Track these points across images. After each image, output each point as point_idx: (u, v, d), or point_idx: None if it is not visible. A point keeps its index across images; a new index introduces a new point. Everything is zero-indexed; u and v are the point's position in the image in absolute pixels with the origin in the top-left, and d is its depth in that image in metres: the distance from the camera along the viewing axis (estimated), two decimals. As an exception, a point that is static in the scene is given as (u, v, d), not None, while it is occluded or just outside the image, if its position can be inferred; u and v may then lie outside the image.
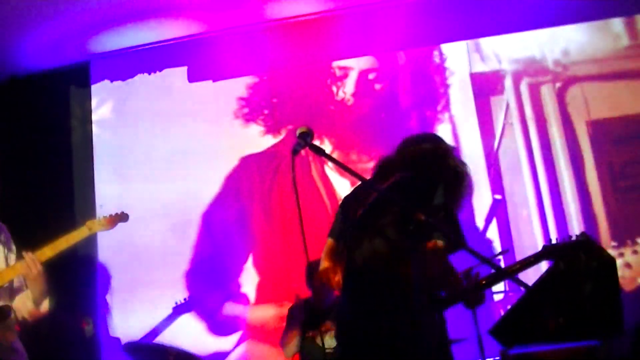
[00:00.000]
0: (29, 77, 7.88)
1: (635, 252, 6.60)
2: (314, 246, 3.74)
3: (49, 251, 4.23)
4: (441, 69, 7.31)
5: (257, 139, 7.59)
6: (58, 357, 6.18)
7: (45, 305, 4.28)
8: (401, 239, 3.57)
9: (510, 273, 4.32)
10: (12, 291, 4.28)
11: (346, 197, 4.00)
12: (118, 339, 7.27)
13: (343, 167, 3.44)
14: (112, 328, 7.38)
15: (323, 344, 5.74)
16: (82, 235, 4.43)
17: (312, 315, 6.07)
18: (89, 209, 7.60)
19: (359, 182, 3.71)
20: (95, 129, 7.96)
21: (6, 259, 4.30)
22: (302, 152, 3.28)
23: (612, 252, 6.22)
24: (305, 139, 3.25)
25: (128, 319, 7.39)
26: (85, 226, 4.49)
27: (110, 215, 4.65)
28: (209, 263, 7.45)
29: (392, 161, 3.94)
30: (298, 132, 3.27)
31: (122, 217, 4.68)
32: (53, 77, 7.80)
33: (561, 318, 4.97)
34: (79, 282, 7.34)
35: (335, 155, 6.93)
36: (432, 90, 7.29)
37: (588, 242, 5.36)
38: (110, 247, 7.49)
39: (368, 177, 3.83)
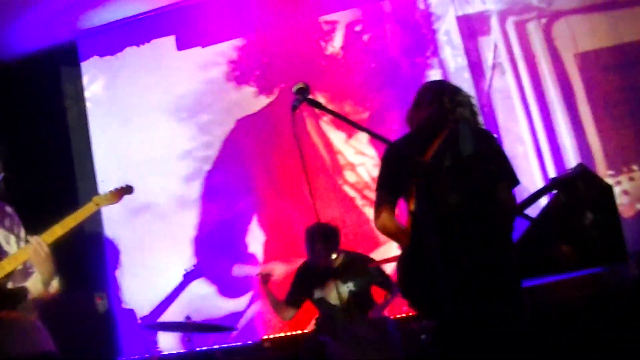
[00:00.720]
0: (18, 60, 7.89)
1: (631, 178, 6.68)
2: (317, 201, 3.77)
3: (59, 230, 4.25)
4: (427, 15, 7.34)
5: (251, 100, 7.64)
6: (75, 333, 6.26)
7: (55, 286, 4.28)
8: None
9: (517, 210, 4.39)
10: (26, 273, 4.33)
11: (392, 149, 3.94)
12: (132, 311, 7.38)
13: (343, 119, 3.50)
14: (125, 301, 7.48)
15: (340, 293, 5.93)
16: (90, 211, 4.44)
17: (316, 275, 6.25)
18: (91, 186, 7.68)
19: (404, 136, 3.93)
20: (89, 105, 8.00)
21: (17, 243, 4.35)
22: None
23: (610, 181, 6.29)
24: (303, 94, 3.28)
25: (140, 290, 7.50)
26: (92, 202, 4.50)
27: (116, 189, 4.66)
28: (214, 227, 7.54)
29: (439, 114, 3.95)
30: (295, 88, 3.29)
31: (127, 190, 4.69)
32: (42, 58, 7.81)
33: (565, 247, 5.06)
34: (88, 258, 7.43)
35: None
36: (419, 36, 7.32)
37: (585, 172, 5.45)
38: (116, 222, 7.58)
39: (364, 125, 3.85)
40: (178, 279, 7.34)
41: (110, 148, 7.87)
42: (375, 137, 3.47)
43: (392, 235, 3.92)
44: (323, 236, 6.19)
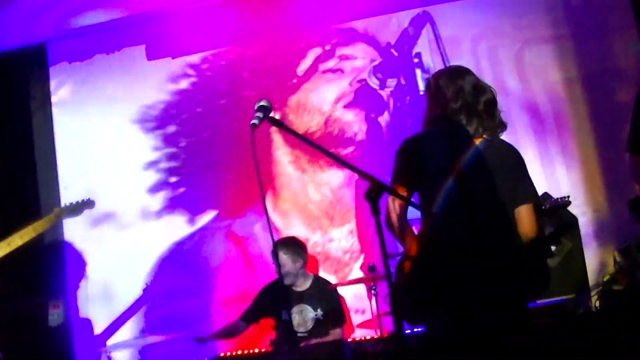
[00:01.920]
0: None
1: (596, 210, 6.74)
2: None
3: (18, 240, 4.23)
4: (400, 36, 7.34)
5: (219, 113, 7.63)
6: (26, 342, 6.16)
7: None
8: None
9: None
10: None
11: (408, 145, 3.83)
12: (89, 321, 7.27)
13: (303, 139, 3.42)
14: (82, 312, 7.36)
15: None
16: (50, 222, 4.47)
17: (281, 296, 6.21)
18: (54, 192, 7.55)
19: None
20: (55, 110, 7.88)
21: None
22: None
23: (575, 211, 6.28)
24: (264, 112, 3.21)
25: (98, 302, 7.39)
26: (52, 213, 4.54)
27: (78, 202, 4.66)
28: (178, 241, 7.47)
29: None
30: (257, 105, 3.22)
31: (89, 204, 4.70)
32: (10, 60, 7.67)
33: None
34: (48, 267, 7.30)
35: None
36: (390, 57, 7.33)
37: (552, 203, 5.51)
38: (77, 230, 7.44)
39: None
40: (138, 292, 7.22)
41: (75, 155, 7.73)
42: (336, 159, 3.38)
43: (396, 235, 3.78)
44: (287, 246, 6.20)
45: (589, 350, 5.09)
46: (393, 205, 3.73)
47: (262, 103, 3.23)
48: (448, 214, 3.59)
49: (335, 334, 6.20)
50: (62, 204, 4.58)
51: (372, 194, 3.06)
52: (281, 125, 3.32)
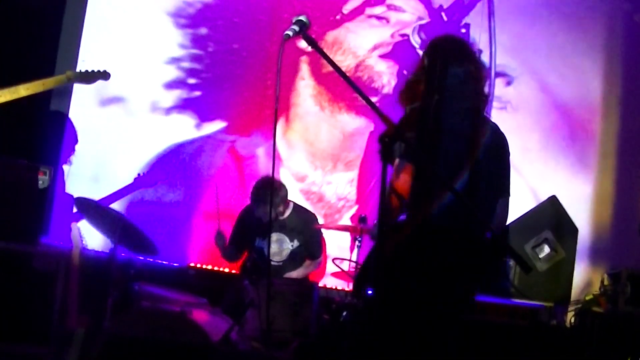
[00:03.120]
0: None
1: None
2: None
3: (23, 91, 4.22)
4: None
5: (253, 28, 7.43)
6: (5, 200, 6.12)
7: None
8: None
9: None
10: None
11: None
12: (71, 196, 7.19)
13: (335, 68, 3.26)
14: (68, 187, 7.28)
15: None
16: (60, 82, 4.48)
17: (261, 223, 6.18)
18: (71, 61, 7.40)
19: None
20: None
21: None
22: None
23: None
24: (300, 27, 3.07)
25: (85, 180, 7.29)
26: (64, 75, 4.50)
27: (93, 71, 4.62)
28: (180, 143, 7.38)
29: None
30: (295, 18, 3.09)
31: (103, 75, 4.66)
32: None
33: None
34: (45, 131, 7.20)
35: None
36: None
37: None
38: (83, 106, 7.31)
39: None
40: (128, 180, 7.14)
41: (101, 30, 7.54)
42: (365, 99, 3.21)
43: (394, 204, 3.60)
44: (264, 196, 6.09)
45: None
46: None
47: (301, 18, 3.10)
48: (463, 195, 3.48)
49: (309, 265, 6.19)
50: (76, 70, 4.49)
51: (387, 138, 2.96)
52: (315, 45, 3.18)
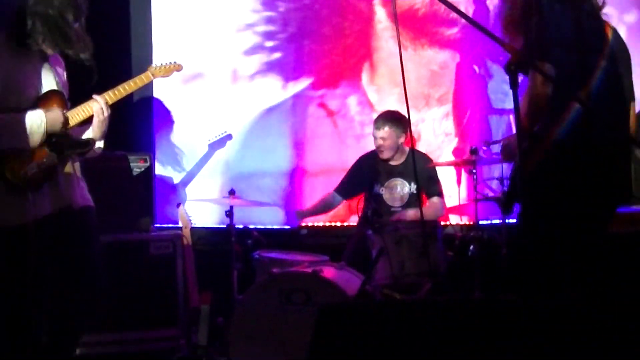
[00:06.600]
0: None
1: None
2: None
3: (118, 93, 4.42)
4: None
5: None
6: (115, 190, 6.28)
7: (100, 145, 4.45)
8: None
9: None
10: (80, 130, 4.38)
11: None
12: (170, 178, 7.33)
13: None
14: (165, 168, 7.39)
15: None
16: (147, 80, 4.66)
17: (377, 169, 6.23)
18: (146, 48, 7.41)
19: None
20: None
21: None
22: None
23: None
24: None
25: (174, 159, 7.39)
26: (148, 71, 4.71)
27: (169, 64, 4.83)
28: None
29: None
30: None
31: (178, 67, 4.89)
32: None
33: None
34: (134, 120, 7.30)
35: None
36: None
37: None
38: (165, 87, 7.34)
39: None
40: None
41: (170, 9, 7.54)
42: (476, 26, 3.10)
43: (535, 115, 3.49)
44: (393, 120, 6.23)
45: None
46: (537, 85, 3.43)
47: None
48: (603, 99, 3.39)
49: (433, 203, 6.20)
50: (154, 64, 4.66)
51: (512, 66, 2.91)
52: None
